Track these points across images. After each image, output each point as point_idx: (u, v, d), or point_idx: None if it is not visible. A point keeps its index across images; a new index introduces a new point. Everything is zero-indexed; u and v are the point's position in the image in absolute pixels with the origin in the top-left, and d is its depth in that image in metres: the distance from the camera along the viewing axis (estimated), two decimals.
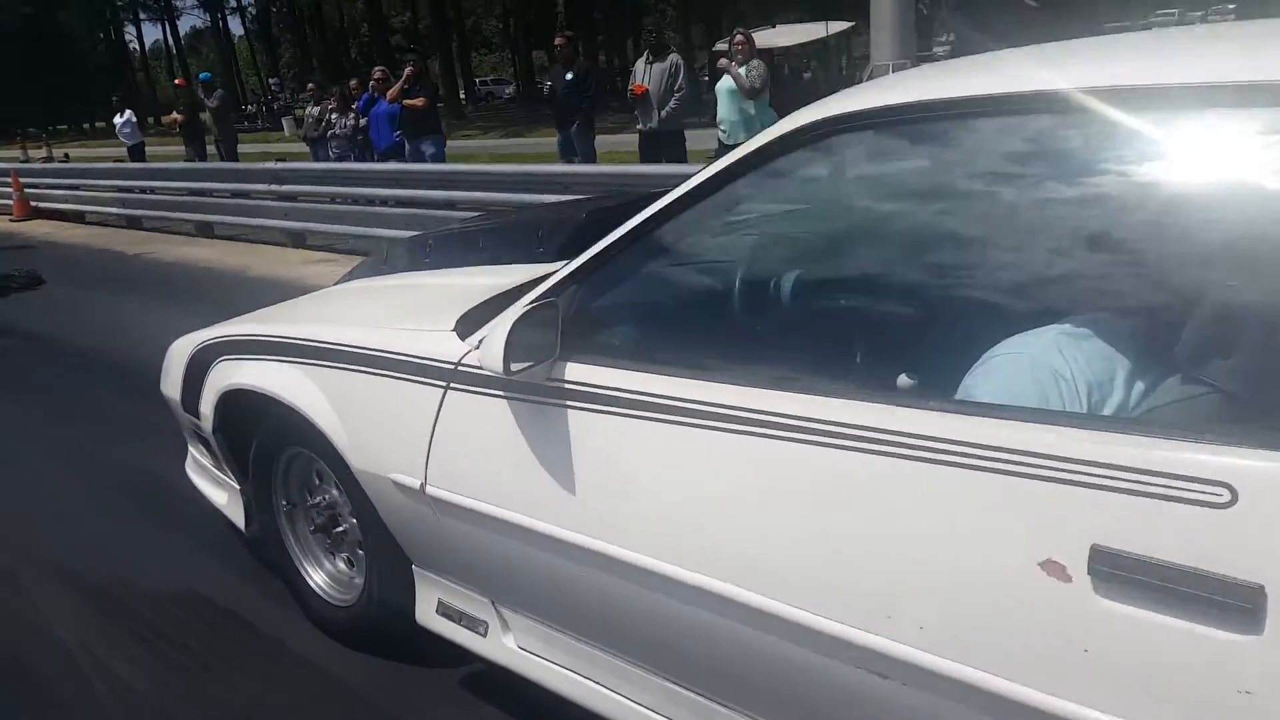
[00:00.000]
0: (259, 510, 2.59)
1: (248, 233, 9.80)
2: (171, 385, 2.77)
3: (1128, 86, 1.22)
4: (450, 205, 7.70)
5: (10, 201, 13.06)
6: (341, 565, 2.48)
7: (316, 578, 2.50)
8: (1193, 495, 1.00)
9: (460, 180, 7.62)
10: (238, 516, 2.72)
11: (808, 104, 1.48)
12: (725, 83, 7.29)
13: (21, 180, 13.23)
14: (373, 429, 2.01)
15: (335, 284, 3.11)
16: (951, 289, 1.56)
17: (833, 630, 1.27)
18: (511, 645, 1.94)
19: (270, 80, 52.41)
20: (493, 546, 1.81)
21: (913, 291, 1.57)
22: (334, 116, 9.67)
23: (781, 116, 1.53)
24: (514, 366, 1.57)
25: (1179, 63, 1.28)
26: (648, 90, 7.66)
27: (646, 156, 7.77)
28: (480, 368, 1.76)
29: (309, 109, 10.40)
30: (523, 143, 20.87)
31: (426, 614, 2.13)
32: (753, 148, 1.50)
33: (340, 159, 9.60)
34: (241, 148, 13.43)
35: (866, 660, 1.25)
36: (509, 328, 1.56)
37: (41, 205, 12.92)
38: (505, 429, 1.71)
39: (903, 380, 1.53)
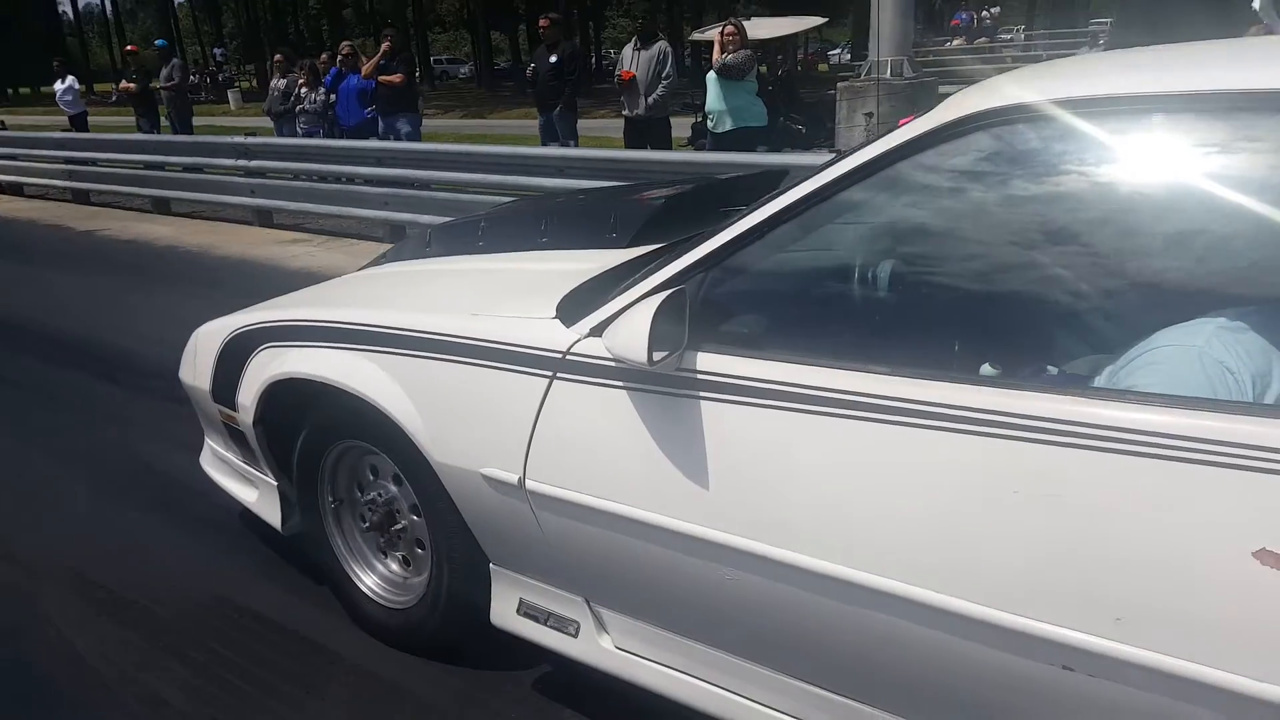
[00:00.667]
0: (301, 508, 2.45)
1: (206, 209, 9.48)
2: (198, 374, 2.61)
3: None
4: (425, 186, 7.52)
5: None
6: (395, 566, 2.36)
7: (367, 579, 2.38)
8: None
9: (449, 160, 7.39)
10: (272, 515, 2.57)
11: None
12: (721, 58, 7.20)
13: None
14: (459, 421, 1.90)
15: (368, 266, 2.96)
16: (1101, 282, 1.51)
17: (1016, 625, 1.23)
18: (608, 646, 1.86)
19: (214, 50, 50.79)
20: (599, 544, 1.72)
21: (1057, 283, 1.51)
22: (303, 91, 9.34)
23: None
24: (656, 356, 1.48)
25: None
26: (635, 76, 7.55)
27: (632, 142, 7.67)
28: (592, 356, 1.68)
29: (274, 81, 10.01)
30: (487, 124, 20.58)
31: (505, 614, 2.03)
32: (909, 135, 1.42)
33: (308, 135, 9.28)
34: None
35: (1056, 655, 1.21)
36: (652, 316, 1.47)
37: None
38: (626, 420, 1.62)
39: (986, 369, 1.50)
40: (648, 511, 1.59)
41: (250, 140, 8.66)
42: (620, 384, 1.63)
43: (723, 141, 7.13)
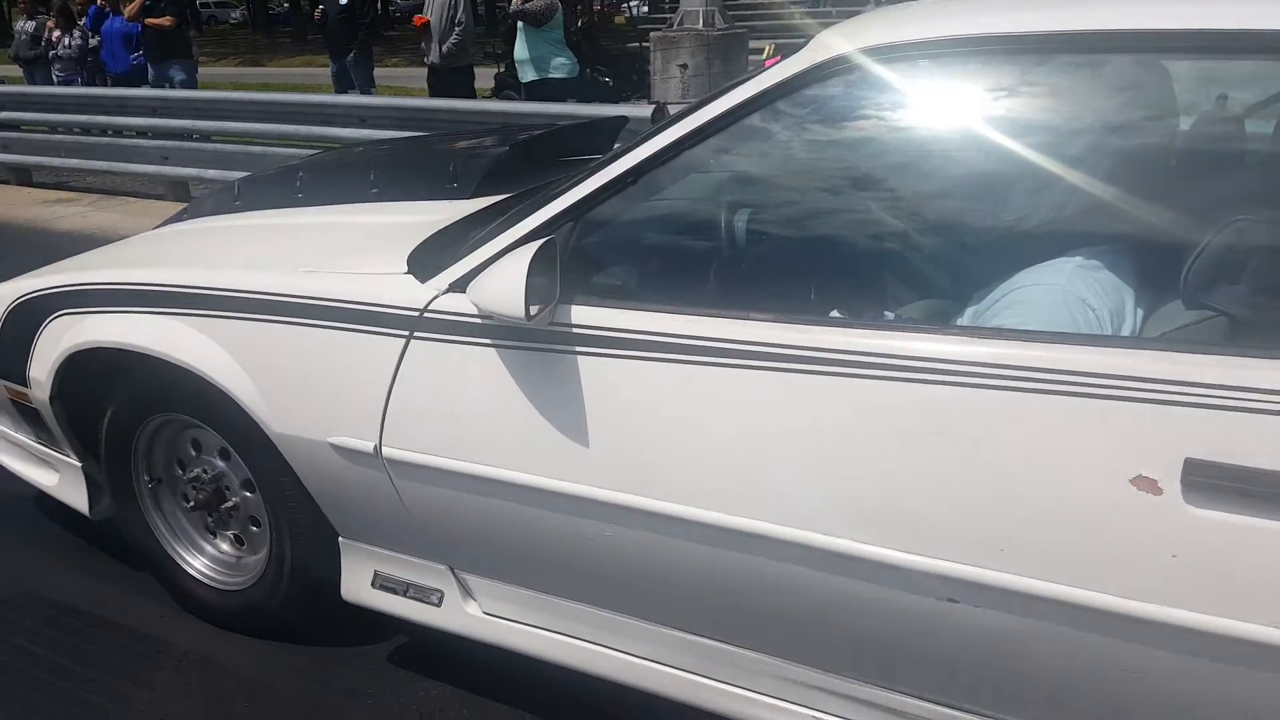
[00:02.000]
0: (111, 490, 2.22)
1: None
2: None
3: (1143, 29, 1.26)
4: (207, 138, 6.95)
5: None
6: (226, 546, 2.19)
7: (195, 562, 2.19)
8: None
9: (236, 110, 6.81)
10: (78, 500, 2.32)
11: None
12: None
13: None
14: (300, 388, 1.76)
15: (165, 224, 2.69)
16: (958, 224, 1.58)
17: (909, 563, 1.27)
18: (475, 612, 1.80)
19: None
20: (467, 509, 1.66)
21: (920, 226, 1.57)
22: (56, 35, 8.36)
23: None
24: (533, 310, 1.42)
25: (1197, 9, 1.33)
26: (429, 22, 7.20)
27: (436, 91, 7.33)
28: (453, 313, 1.60)
29: (21, 24, 8.90)
30: (266, 72, 19.22)
31: (358, 589, 1.93)
32: (773, 80, 1.42)
33: (66, 83, 8.34)
34: None
35: (942, 588, 1.26)
36: (526, 267, 1.40)
37: None
38: (495, 379, 1.55)
39: (834, 315, 1.54)
40: (522, 473, 1.54)
41: None
42: (488, 341, 1.56)
43: (533, 92, 6.97)
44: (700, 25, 7.84)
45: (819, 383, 1.32)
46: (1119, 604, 1.17)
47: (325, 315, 1.72)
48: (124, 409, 2.10)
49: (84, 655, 2.09)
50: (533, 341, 1.52)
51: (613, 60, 12.44)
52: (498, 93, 10.83)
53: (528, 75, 7.02)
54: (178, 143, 6.89)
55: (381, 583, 1.90)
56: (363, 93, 7.71)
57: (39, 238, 5.86)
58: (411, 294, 1.65)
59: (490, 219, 1.75)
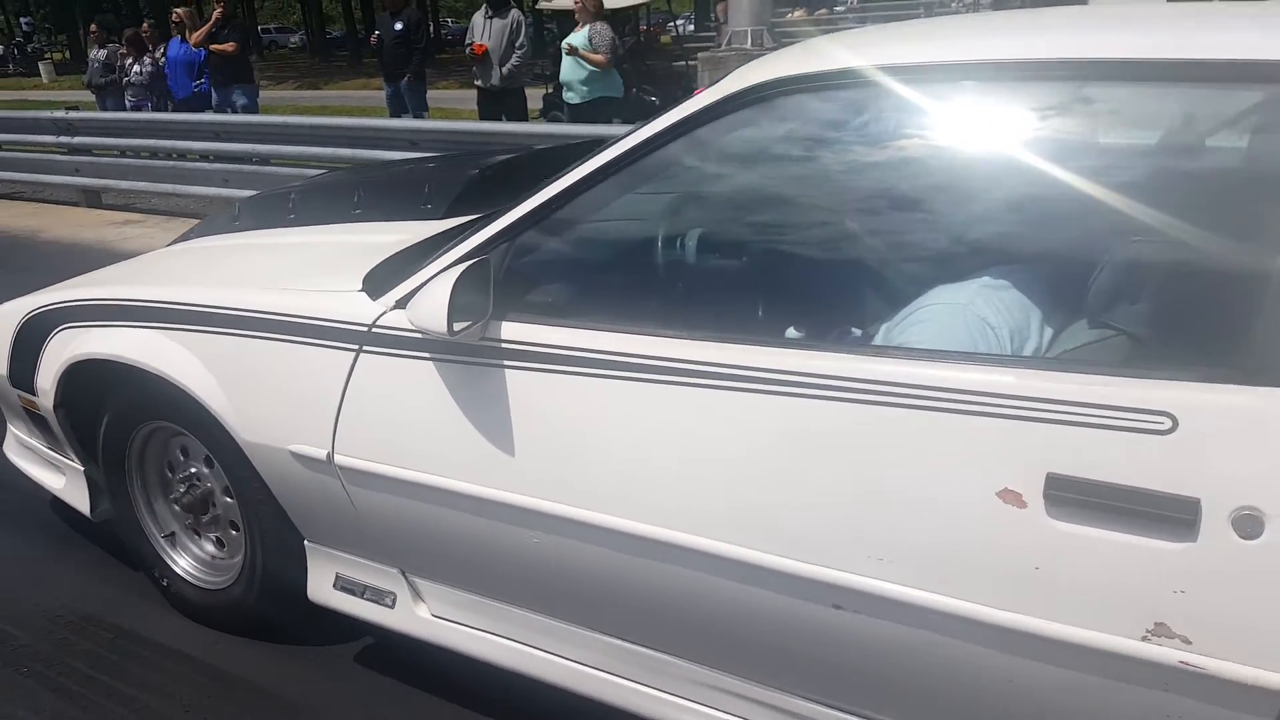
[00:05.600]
0: (110, 493, 2.36)
1: (25, 189, 8.76)
2: None
3: (1050, 60, 1.30)
4: (267, 161, 7.19)
5: None
6: (210, 547, 2.31)
7: (183, 563, 2.32)
8: (1140, 424, 1.12)
9: (294, 134, 6.99)
10: (80, 501, 2.46)
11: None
12: (572, 40, 7.11)
13: None
14: (265, 398, 1.87)
15: (175, 242, 2.85)
16: (878, 246, 1.63)
17: (796, 570, 1.32)
18: (424, 614, 1.88)
19: (20, 20, 46.96)
20: (411, 514, 1.74)
21: (844, 248, 1.62)
22: (128, 62, 8.77)
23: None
24: (457, 326, 1.50)
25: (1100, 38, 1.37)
26: (488, 49, 7.36)
27: (486, 114, 7.49)
28: (397, 329, 1.69)
29: (94, 53, 9.35)
30: (323, 95, 19.77)
31: (322, 590, 2.03)
32: (698, 106, 1.49)
33: (136, 108, 8.72)
34: None
35: (827, 595, 1.31)
36: (451, 286, 1.49)
37: None
38: (432, 392, 1.64)
39: (790, 333, 1.59)
40: (455, 480, 1.62)
41: (73, 115, 8.04)
42: (426, 355, 1.65)
43: (579, 113, 7.08)
44: (749, 45, 7.91)
45: (714, 397, 1.38)
46: (989, 614, 1.20)
47: (285, 329, 1.82)
48: (118, 417, 2.24)
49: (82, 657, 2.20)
50: (465, 355, 1.61)
51: (658, 79, 12.57)
52: (545, 113, 11.00)
53: (573, 98, 7.14)
54: (238, 166, 7.08)
55: (342, 584, 1.99)
56: (416, 115, 7.89)
57: (108, 257, 6.06)
58: (362, 310, 1.74)
59: (447, 240, 1.84)
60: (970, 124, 1.44)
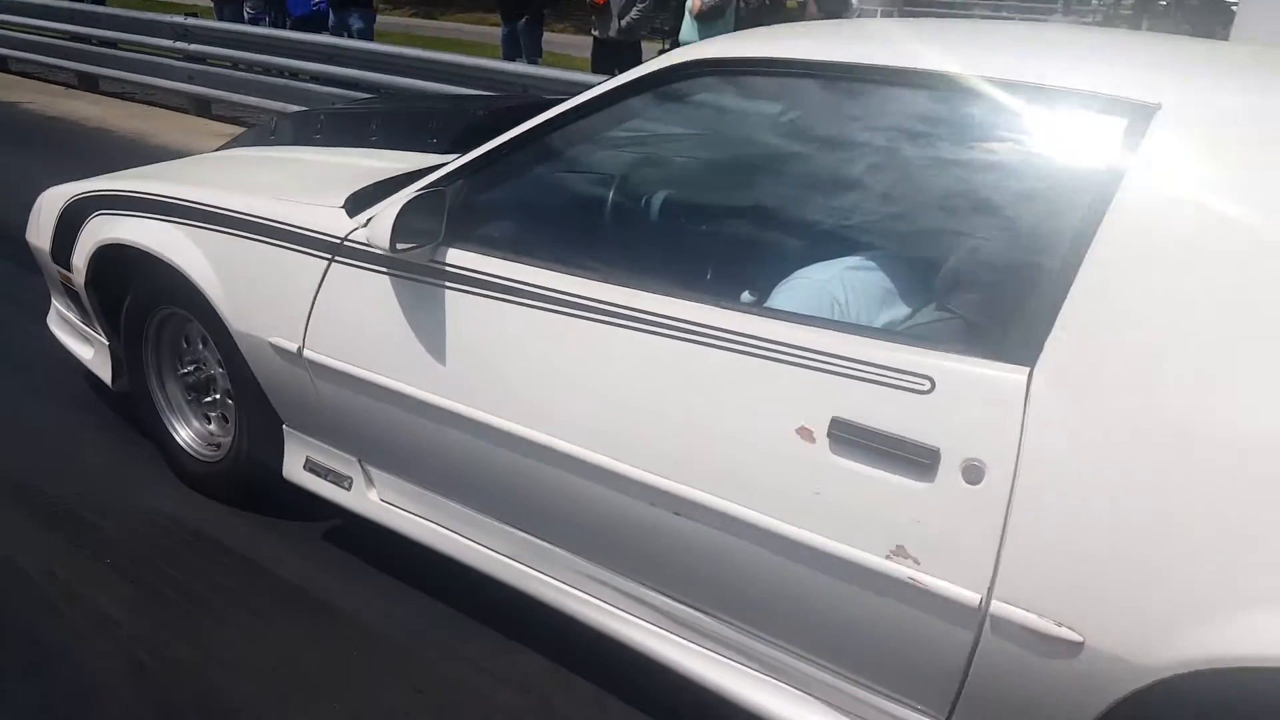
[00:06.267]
0: (128, 368, 2.66)
1: (137, 91, 8.89)
2: (40, 235, 2.77)
3: (933, 71, 1.47)
4: (376, 90, 6.81)
5: None
6: (213, 427, 2.60)
7: (184, 434, 2.62)
8: (906, 384, 1.34)
9: (405, 65, 6.89)
10: (104, 372, 2.78)
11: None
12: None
13: None
14: (254, 293, 2.14)
15: (220, 149, 3.12)
16: (777, 222, 1.82)
17: (638, 477, 1.57)
18: (374, 499, 2.15)
19: None
20: (363, 408, 2.00)
21: (747, 219, 1.82)
22: None
23: None
24: (400, 246, 1.74)
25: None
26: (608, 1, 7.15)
27: (599, 66, 7.14)
28: (366, 244, 1.93)
29: None
30: (439, 25, 19.36)
31: (294, 470, 2.30)
32: (639, 75, 1.69)
33: (254, 22, 8.84)
34: None
35: (662, 500, 1.56)
36: (398, 209, 1.72)
37: None
38: (385, 303, 1.88)
39: (745, 296, 1.80)
40: (395, 381, 1.88)
41: (190, 22, 8.16)
42: (384, 270, 1.89)
43: None
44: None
45: (608, 332, 1.61)
46: (776, 524, 1.44)
47: (275, 234, 2.09)
48: (138, 299, 2.53)
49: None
50: (415, 274, 1.85)
51: None
52: None
53: None
54: (344, 91, 6.98)
55: (311, 466, 2.27)
56: (529, 59, 7.72)
57: None
58: (339, 225, 1.99)
59: (427, 173, 2.07)
60: (849, 117, 1.63)
